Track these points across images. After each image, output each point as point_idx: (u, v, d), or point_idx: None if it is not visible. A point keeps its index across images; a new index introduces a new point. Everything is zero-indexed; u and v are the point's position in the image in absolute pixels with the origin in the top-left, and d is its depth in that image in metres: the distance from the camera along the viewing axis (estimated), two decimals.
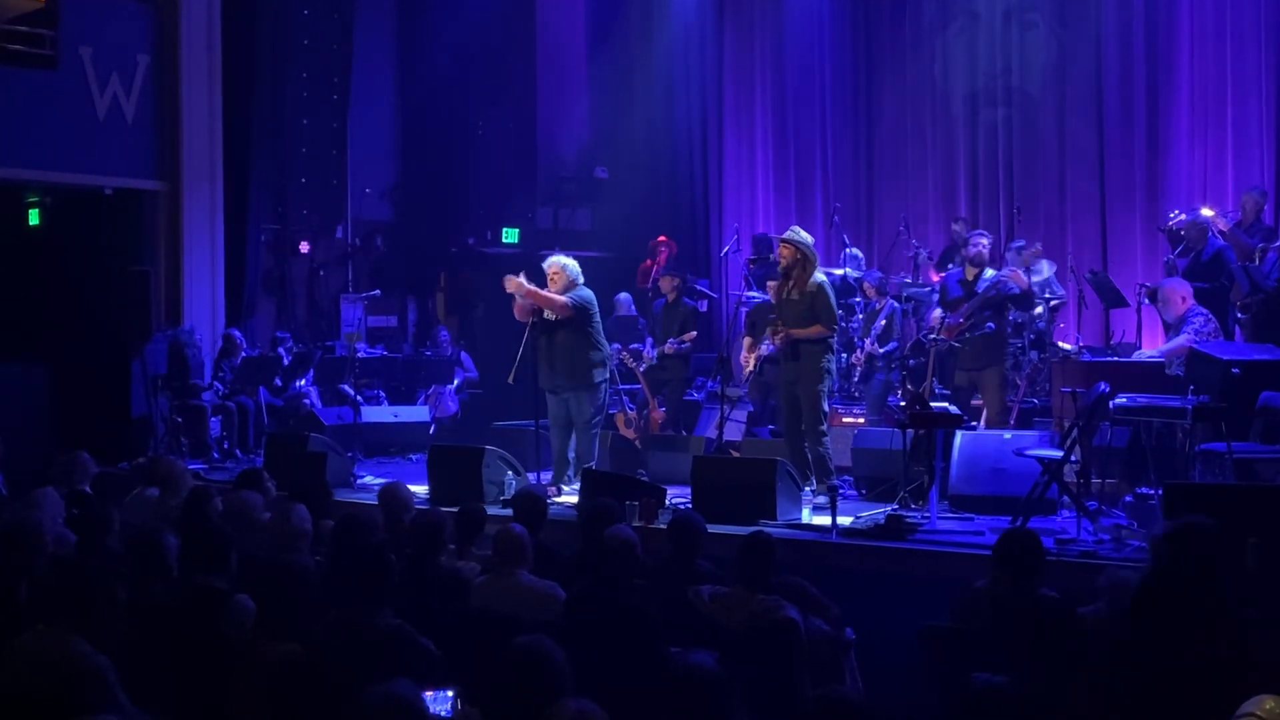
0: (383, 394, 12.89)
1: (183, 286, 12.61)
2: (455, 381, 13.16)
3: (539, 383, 9.18)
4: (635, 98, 15.20)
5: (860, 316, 11.07)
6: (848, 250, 12.11)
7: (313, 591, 4.89)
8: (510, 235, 14.67)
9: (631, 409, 10.82)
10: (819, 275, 8.79)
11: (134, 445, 11.44)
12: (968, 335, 9.22)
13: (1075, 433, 7.45)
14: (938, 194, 13.56)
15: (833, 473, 8.63)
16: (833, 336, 8.78)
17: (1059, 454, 7.45)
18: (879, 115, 14.00)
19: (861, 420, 10.41)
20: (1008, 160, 13.07)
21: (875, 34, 14.04)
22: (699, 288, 13.15)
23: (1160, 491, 7.11)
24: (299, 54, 14.10)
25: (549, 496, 8.46)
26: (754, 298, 12.01)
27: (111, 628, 4.62)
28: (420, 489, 8.88)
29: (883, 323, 10.67)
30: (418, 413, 12.49)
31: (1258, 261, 9.55)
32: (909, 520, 7.65)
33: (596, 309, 9.20)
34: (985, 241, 9.59)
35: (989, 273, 9.39)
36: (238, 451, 11.56)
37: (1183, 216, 10.37)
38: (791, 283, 8.77)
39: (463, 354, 13.63)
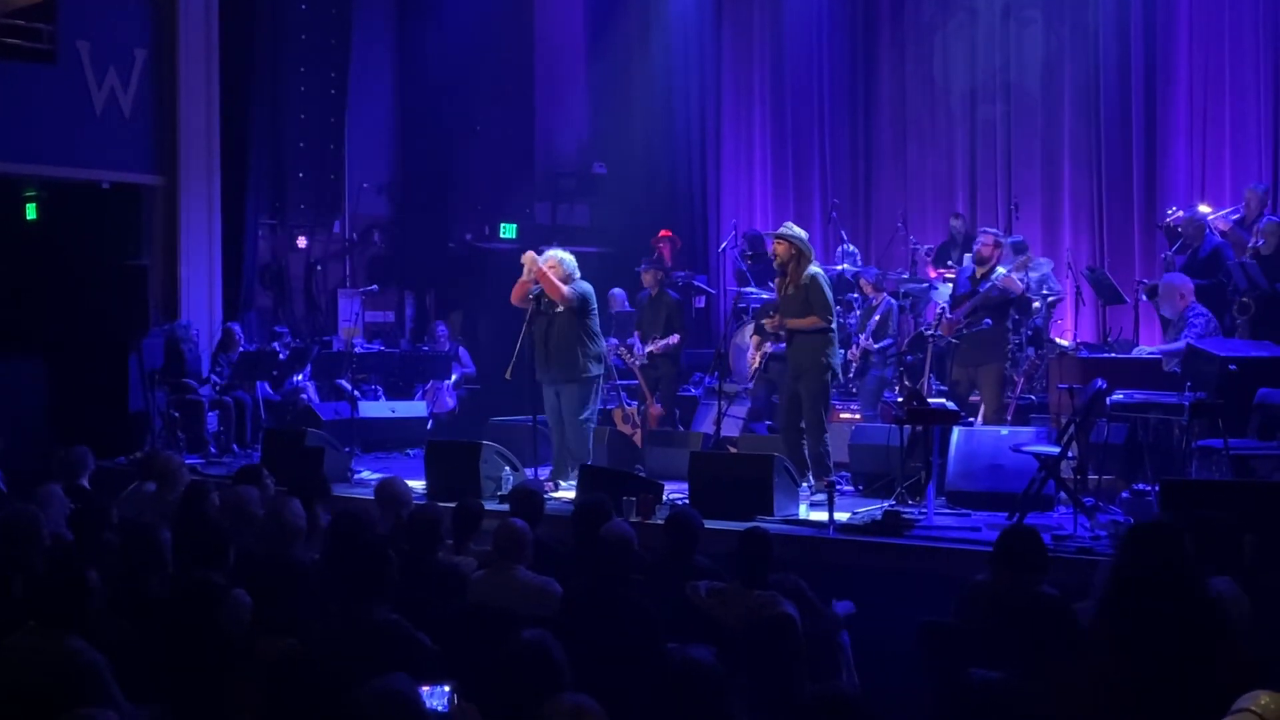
0: (380, 389, 12.88)
1: (180, 281, 12.61)
2: (453, 377, 13.16)
3: (536, 376, 9.19)
4: (633, 93, 15.19)
5: (857, 312, 11.08)
6: (844, 247, 12.12)
7: (310, 587, 4.90)
8: (508, 231, 14.65)
9: (629, 404, 10.82)
10: (813, 268, 8.79)
11: (131, 440, 11.45)
12: (965, 332, 9.22)
13: (1072, 429, 7.46)
14: (936, 190, 13.55)
15: (831, 469, 8.63)
16: (830, 328, 8.76)
17: (1056, 450, 7.46)
18: (877, 111, 13.99)
19: (859, 416, 10.41)
20: (1005, 156, 13.06)
21: (874, 30, 14.03)
22: (696, 284, 13.16)
23: (1157, 488, 7.12)
24: (297, 49, 14.09)
25: (546, 492, 8.47)
26: (750, 294, 12.02)
27: (107, 623, 4.63)
28: (418, 484, 8.88)
29: (878, 319, 10.67)
30: (415, 408, 12.49)
31: (1251, 258, 9.54)
32: (906, 516, 7.66)
33: (595, 303, 9.21)
34: (990, 239, 9.58)
35: (1000, 270, 9.40)
36: (235, 446, 11.56)
37: (1180, 213, 10.37)
38: (788, 278, 8.79)
39: (460, 349, 13.62)
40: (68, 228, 12.63)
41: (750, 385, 11.10)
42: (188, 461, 9.36)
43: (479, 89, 14.97)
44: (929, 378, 9.54)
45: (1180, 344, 8.43)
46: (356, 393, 12.00)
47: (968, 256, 10.18)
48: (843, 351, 10.80)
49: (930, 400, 8.44)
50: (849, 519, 7.75)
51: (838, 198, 13.64)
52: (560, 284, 8.98)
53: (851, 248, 12.26)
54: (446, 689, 3.72)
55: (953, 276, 10.45)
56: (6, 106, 11.53)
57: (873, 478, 8.84)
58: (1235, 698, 2.58)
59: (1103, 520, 7.28)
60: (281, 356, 12.40)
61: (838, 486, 8.09)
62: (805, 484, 8.48)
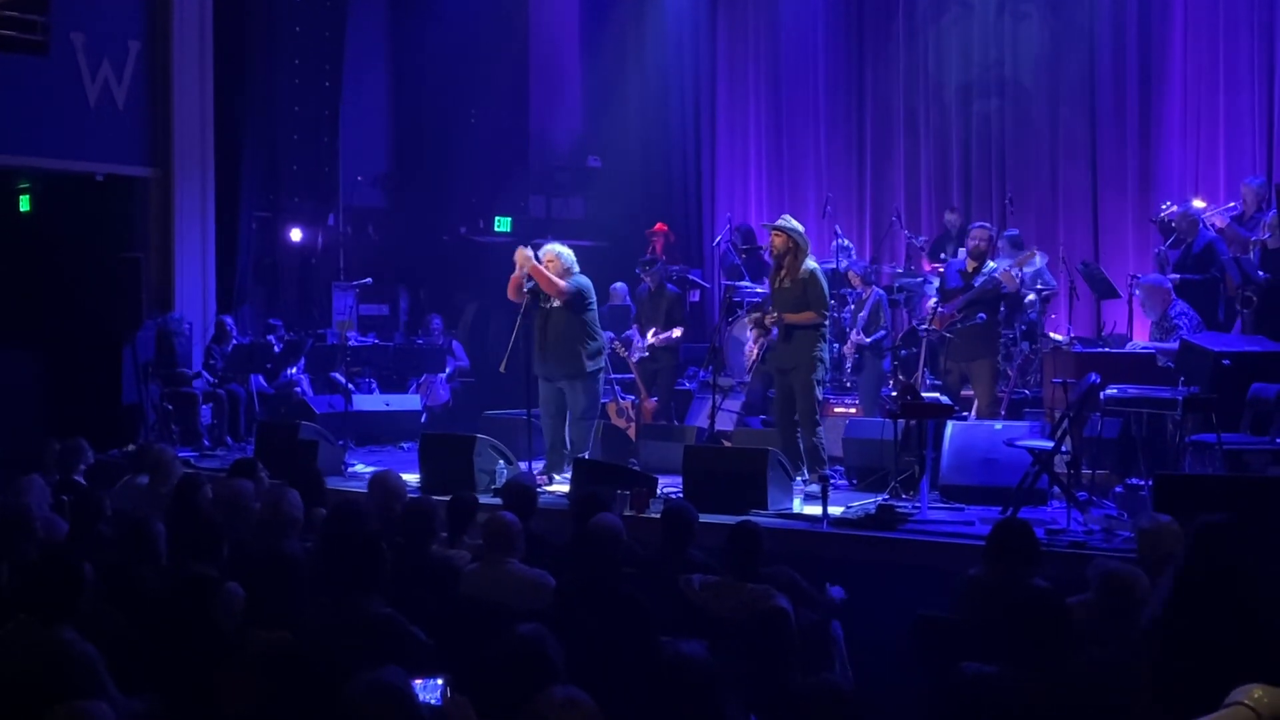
0: (374, 382, 12.87)
1: (174, 273, 12.58)
2: (447, 370, 13.15)
3: (532, 370, 9.17)
4: (628, 86, 15.18)
5: (851, 306, 11.08)
6: (839, 241, 12.12)
7: (303, 580, 4.89)
8: (503, 224, 14.64)
9: (624, 399, 10.82)
10: (810, 262, 8.78)
11: (124, 432, 11.43)
12: (959, 326, 9.22)
13: (1066, 423, 7.46)
14: (930, 184, 13.56)
15: (825, 463, 8.64)
16: (825, 323, 8.76)
17: (1049, 445, 7.46)
18: (872, 105, 13.98)
19: (853, 410, 10.41)
20: (1000, 151, 13.07)
21: (869, 24, 14.02)
22: (691, 277, 13.15)
23: (1150, 482, 7.12)
24: (291, 41, 14.06)
25: (540, 485, 8.46)
26: (745, 288, 12.02)
27: (101, 614, 4.62)
28: (412, 477, 8.86)
29: (866, 313, 10.66)
30: (409, 401, 12.48)
31: (1250, 254, 9.56)
32: (900, 510, 7.65)
33: (593, 298, 9.20)
34: (984, 234, 9.59)
35: (990, 265, 9.40)
36: (228, 439, 11.55)
37: (1174, 208, 10.38)
38: (784, 271, 8.78)
39: (454, 343, 13.62)
40: (61, 220, 12.60)
41: (746, 379, 11.10)
42: (181, 454, 9.35)
43: (473, 82, 14.94)
44: (923, 372, 9.55)
45: (1174, 344, 8.45)
46: (350, 386, 11.98)
47: (961, 250, 10.18)
48: (836, 346, 10.83)
49: (924, 394, 8.44)
50: (843, 513, 7.75)
51: (832, 192, 13.64)
52: (556, 279, 8.95)
53: (846, 242, 12.26)
54: (439, 682, 3.72)
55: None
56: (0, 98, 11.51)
57: (866, 472, 8.84)
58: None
59: (1096, 515, 7.29)
60: (275, 349, 12.38)
61: (831, 480, 8.09)
62: (799, 478, 8.48)
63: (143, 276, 11.92)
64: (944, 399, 8.48)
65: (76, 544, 5.73)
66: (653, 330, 10.82)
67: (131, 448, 10.08)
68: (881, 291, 10.89)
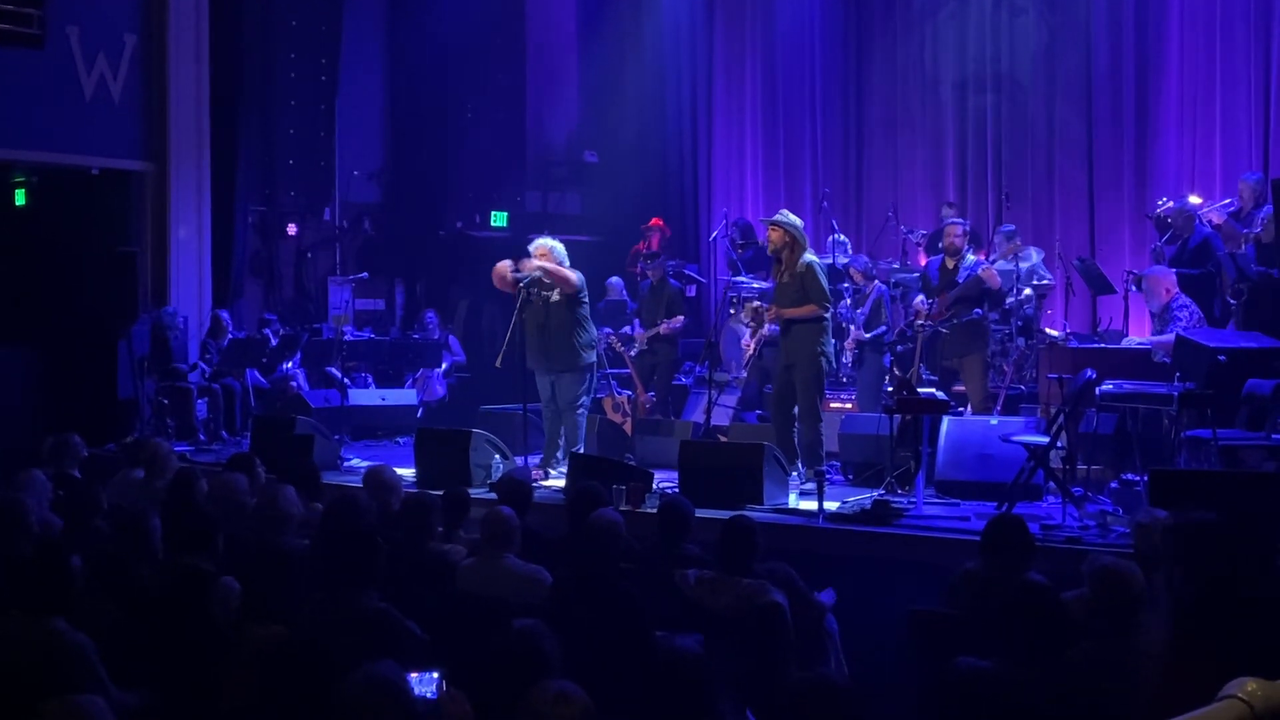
0: (370, 377, 12.87)
1: (169, 268, 12.56)
2: (443, 365, 13.15)
3: (528, 364, 9.17)
4: (625, 81, 15.17)
5: (847, 302, 11.07)
6: (835, 236, 12.12)
7: (299, 574, 4.89)
8: (499, 219, 14.64)
9: (620, 393, 10.82)
10: (808, 256, 8.78)
11: (120, 427, 11.42)
12: (954, 322, 9.23)
13: (1061, 419, 7.47)
14: (926, 179, 13.57)
15: (822, 458, 8.63)
16: (827, 315, 8.76)
17: (1045, 440, 7.47)
18: (868, 101, 13.99)
19: (849, 406, 10.41)
20: (996, 146, 13.08)
21: (865, 19, 14.02)
22: (687, 272, 13.15)
23: (1145, 478, 7.13)
24: (287, 35, 14.04)
25: (536, 480, 8.46)
26: (741, 283, 12.02)
27: (96, 609, 4.62)
28: (407, 472, 8.87)
29: (869, 308, 10.66)
30: (405, 396, 12.47)
31: (1243, 249, 9.57)
32: (895, 505, 7.66)
33: (587, 292, 9.22)
34: (958, 230, 9.61)
35: (970, 258, 9.42)
36: (224, 433, 11.53)
37: (1170, 204, 10.39)
38: (782, 265, 8.78)
39: (450, 337, 13.61)
40: (57, 214, 12.58)
41: (742, 374, 11.10)
42: (176, 449, 9.33)
43: (470, 76, 14.94)
44: (919, 367, 9.55)
45: (1170, 336, 8.45)
46: (346, 380, 11.98)
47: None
48: (835, 342, 10.82)
49: (920, 390, 8.44)
50: (838, 508, 7.75)
51: (829, 187, 13.65)
52: (569, 273, 8.96)
53: (842, 237, 12.27)
54: (435, 676, 3.73)
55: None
56: None
57: (862, 467, 8.85)
58: None
59: (1091, 510, 7.29)
60: (271, 344, 12.37)
61: (827, 475, 8.09)
62: (795, 473, 8.48)
63: (138, 271, 11.91)
64: (940, 394, 8.48)
65: (72, 538, 5.72)
66: (660, 324, 10.84)
67: (131, 439, 10.07)
68: (884, 287, 10.87)
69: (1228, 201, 10.53)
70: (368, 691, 3.25)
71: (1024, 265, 10.59)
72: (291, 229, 14.26)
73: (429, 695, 3.66)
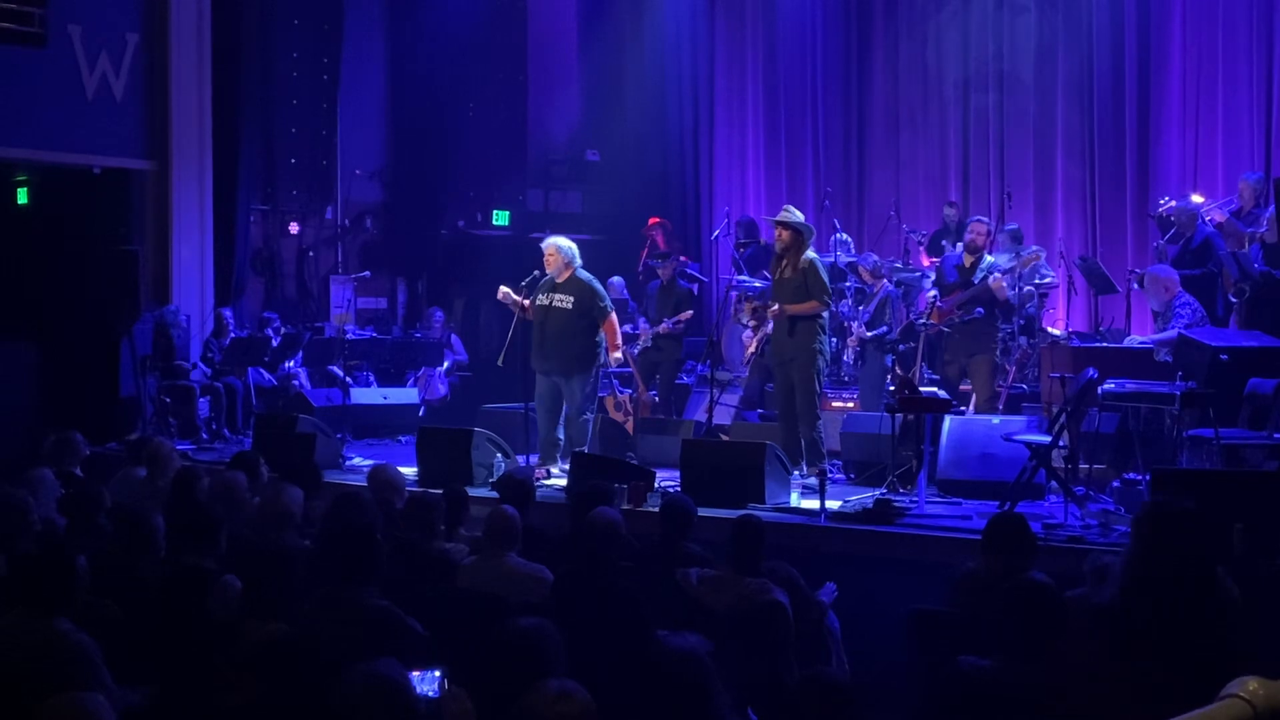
0: (372, 375, 12.87)
1: (171, 266, 12.56)
2: (445, 364, 13.15)
3: (531, 364, 9.16)
4: (626, 80, 15.17)
5: (848, 300, 11.06)
6: (837, 235, 12.11)
7: (300, 572, 4.89)
8: (501, 217, 14.64)
9: (622, 392, 10.82)
10: (810, 253, 8.80)
11: (122, 425, 11.42)
12: (958, 322, 9.23)
13: (1063, 418, 7.46)
14: (928, 178, 13.56)
15: (824, 456, 8.63)
16: (827, 312, 8.77)
17: (1047, 439, 7.47)
18: (870, 99, 13.98)
19: (851, 405, 10.40)
20: (998, 145, 13.08)
21: (867, 18, 14.02)
22: (690, 271, 13.15)
23: (1148, 477, 7.13)
24: (289, 34, 14.04)
25: (538, 479, 8.46)
26: (743, 281, 12.01)
27: (98, 606, 4.62)
28: (409, 471, 8.86)
29: (874, 306, 10.63)
30: (407, 395, 12.47)
31: (1247, 248, 9.56)
32: (897, 504, 7.66)
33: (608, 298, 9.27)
34: (983, 229, 9.59)
35: (988, 259, 9.40)
36: (226, 432, 11.55)
37: (1172, 203, 10.38)
38: (785, 262, 8.79)
39: (453, 336, 13.61)
40: (59, 213, 12.58)
41: (744, 373, 11.09)
42: (179, 447, 9.34)
43: (471, 75, 14.93)
44: (921, 366, 9.55)
45: (1172, 333, 8.45)
46: (348, 379, 11.98)
47: (959, 245, 10.18)
48: (835, 340, 10.82)
49: (922, 389, 8.44)
50: (840, 507, 7.75)
51: (830, 185, 13.65)
52: (617, 334, 9.14)
53: (844, 236, 12.26)
54: (437, 674, 3.72)
55: None
56: None
57: (864, 466, 8.85)
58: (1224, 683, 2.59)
59: (1093, 509, 7.29)
60: (273, 343, 12.38)
61: (829, 474, 8.09)
62: (797, 472, 8.48)
63: (140, 269, 11.90)
64: (941, 393, 8.48)
65: (75, 537, 5.73)
66: (663, 321, 10.84)
67: (134, 437, 10.08)
68: (891, 286, 10.83)
69: (1225, 200, 10.53)
70: (369, 689, 3.25)
71: (1030, 265, 10.58)
72: (293, 228, 14.26)
73: (431, 693, 3.66)
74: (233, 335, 12.18)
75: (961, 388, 9.48)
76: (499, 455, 8.97)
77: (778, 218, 8.98)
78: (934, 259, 11.65)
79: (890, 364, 10.44)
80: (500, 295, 9.13)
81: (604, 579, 5.00)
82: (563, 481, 8.61)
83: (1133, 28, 12.21)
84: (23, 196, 13.01)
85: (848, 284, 11.21)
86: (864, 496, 7.98)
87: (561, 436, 9.11)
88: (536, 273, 9.14)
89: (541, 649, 3.61)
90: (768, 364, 10.41)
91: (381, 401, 12.19)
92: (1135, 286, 10.03)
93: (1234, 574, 4.70)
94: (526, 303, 9.04)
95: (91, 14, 12.09)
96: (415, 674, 3.56)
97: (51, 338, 12.02)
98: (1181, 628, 3.64)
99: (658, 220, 13.53)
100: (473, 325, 14.21)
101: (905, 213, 13.06)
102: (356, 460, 10.06)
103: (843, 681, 3.54)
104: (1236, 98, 11.62)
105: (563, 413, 9.10)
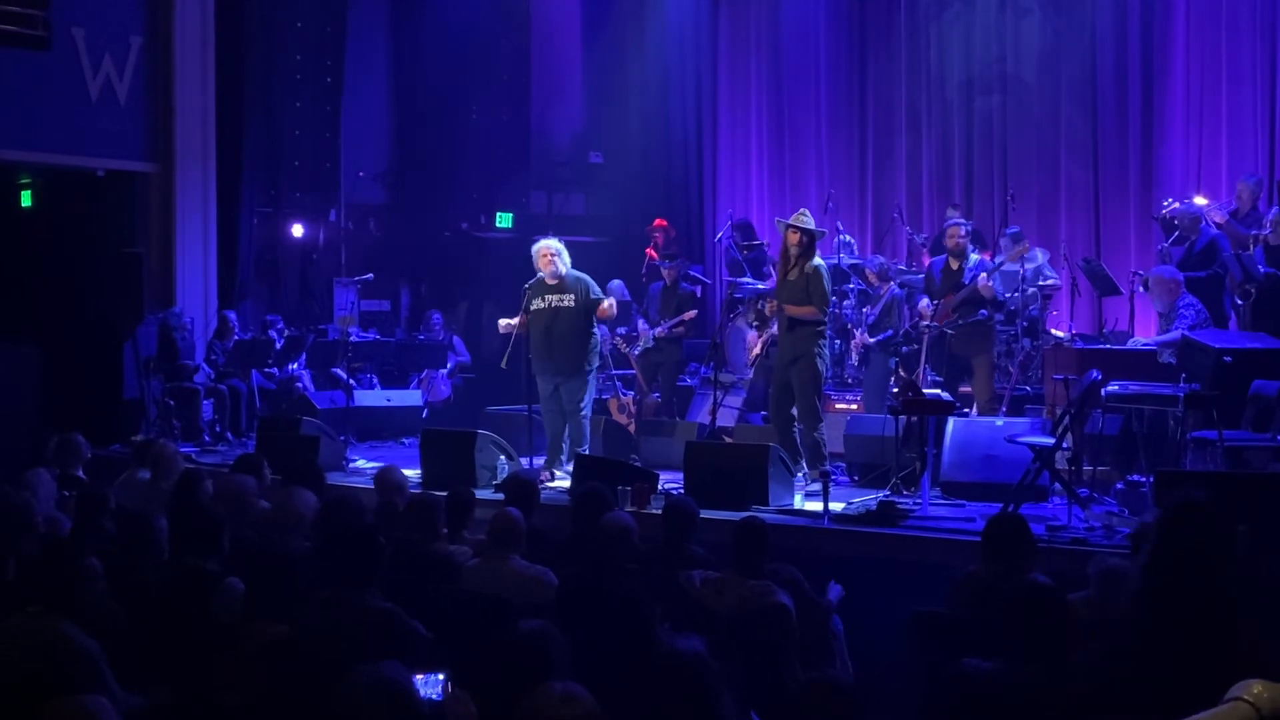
0: (375, 378, 12.88)
1: (175, 269, 12.58)
2: (448, 366, 13.15)
3: (533, 367, 9.17)
4: (630, 82, 15.17)
5: (850, 301, 11.05)
6: (840, 237, 12.11)
7: (303, 574, 4.89)
8: (504, 220, 14.65)
9: (625, 394, 10.82)
10: (817, 259, 8.81)
11: (126, 428, 11.43)
12: (960, 323, 9.23)
13: (1067, 420, 7.46)
14: (932, 180, 13.56)
15: (825, 458, 8.63)
16: (824, 319, 8.78)
17: (1051, 441, 7.46)
18: (874, 101, 13.98)
19: (855, 407, 10.40)
20: (1002, 147, 13.07)
21: (870, 19, 14.02)
22: (693, 273, 13.15)
23: (1151, 479, 7.12)
24: (292, 36, 14.04)
25: (542, 481, 8.46)
26: (746, 283, 12.01)
27: (100, 608, 4.62)
28: (413, 473, 8.86)
29: (880, 309, 10.62)
30: (410, 397, 12.48)
31: (1250, 250, 9.56)
32: (901, 506, 7.66)
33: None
34: (960, 231, 9.60)
35: (974, 258, 9.41)
36: (230, 435, 11.55)
37: (1176, 205, 10.38)
38: (791, 264, 8.81)
39: (455, 338, 13.62)
40: (63, 215, 12.60)
41: (748, 375, 11.09)
42: (182, 450, 9.34)
43: (475, 77, 14.94)
44: (924, 368, 9.54)
45: (1175, 335, 8.44)
46: (352, 381, 11.98)
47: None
48: (838, 342, 10.82)
49: (925, 391, 8.44)
50: (844, 509, 7.76)
51: (834, 188, 13.64)
52: (608, 306, 9.09)
53: (848, 238, 12.26)
54: (440, 677, 3.72)
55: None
56: (1, 93, 11.50)
57: (868, 468, 8.84)
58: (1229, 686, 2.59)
59: (1097, 511, 7.28)
60: (277, 345, 12.39)
61: (833, 476, 8.09)
62: (800, 474, 8.48)
63: (144, 272, 11.93)
64: (945, 395, 8.47)
65: (80, 539, 5.74)
66: (661, 324, 10.84)
67: (137, 439, 10.09)
68: (898, 289, 10.82)
69: (1226, 202, 10.53)
70: (372, 692, 3.25)
71: (1029, 266, 10.57)
72: (297, 230, 14.27)
73: (434, 696, 3.66)
74: (236, 337, 12.18)
75: (962, 389, 9.48)
76: (502, 457, 8.97)
77: (791, 220, 8.97)
78: (930, 262, 11.64)
79: (894, 366, 10.43)
80: (503, 329, 9.14)
81: (608, 581, 5.00)
82: (566, 484, 8.61)
83: (1136, 29, 12.21)
84: (27, 199, 13.03)
85: (850, 286, 11.20)
86: (867, 498, 7.98)
87: (566, 439, 9.11)
88: (539, 274, 9.15)
89: (545, 651, 3.61)
90: (772, 366, 10.42)
91: (385, 404, 12.19)
92: (1139, 289, 10.03)
93: (1238, 576, 4.70)
94: (524, 317, 9.05)
95: (95, 17, 12.11)
96: (419, 676, 3.56)
97: (55, 340, 12.03)
98: (1198, 632, 3.62)
99: (663, 223, 13.53)
100: (476, 327, 14.22)
101: (909, 214, 13.06)
102: (360, 462, 10.07)
103: (846, 683, 3.54)
104: (1240, 99, 11.61)
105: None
